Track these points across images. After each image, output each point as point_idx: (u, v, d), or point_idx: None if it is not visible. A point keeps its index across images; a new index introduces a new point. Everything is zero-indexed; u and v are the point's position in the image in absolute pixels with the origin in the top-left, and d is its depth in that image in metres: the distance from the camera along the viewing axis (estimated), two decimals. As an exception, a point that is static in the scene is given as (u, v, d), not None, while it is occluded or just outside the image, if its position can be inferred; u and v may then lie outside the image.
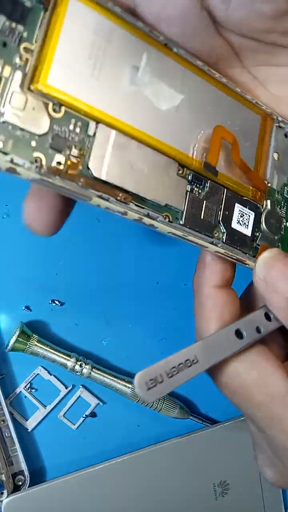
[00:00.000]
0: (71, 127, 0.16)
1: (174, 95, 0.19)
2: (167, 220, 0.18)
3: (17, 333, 0.31)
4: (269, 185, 0.22)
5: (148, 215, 0.18)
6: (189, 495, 0.35)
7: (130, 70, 0.17)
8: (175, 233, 0.19)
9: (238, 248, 0.20)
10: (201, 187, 0.20)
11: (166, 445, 0.35)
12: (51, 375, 0.34)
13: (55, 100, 0.15)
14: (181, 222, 0.19)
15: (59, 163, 0.15)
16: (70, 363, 0.33)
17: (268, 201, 0.22)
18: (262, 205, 0.22)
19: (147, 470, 0.34)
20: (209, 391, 0.38)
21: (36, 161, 0.15)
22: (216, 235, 0.20)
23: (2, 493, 0.31)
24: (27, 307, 0.34)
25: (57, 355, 0.33)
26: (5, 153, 0.14)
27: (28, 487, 0.32)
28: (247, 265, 0.21)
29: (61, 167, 0.15)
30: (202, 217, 0.19)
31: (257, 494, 0.38)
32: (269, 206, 0.22)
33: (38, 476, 0.33)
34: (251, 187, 0.21)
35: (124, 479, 0.33)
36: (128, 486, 0.34)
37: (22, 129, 0.15)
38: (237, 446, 0.37)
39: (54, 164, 0.15)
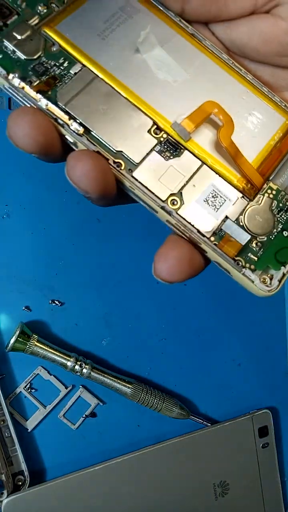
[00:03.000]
0: (58, 63, 0.19)
1: (179, 72, 0.20)
2: (119, 167, 0.18)
3: (17, 333, 0.31)
4: (271, 183, 0.20)
5: (98, 153, 0.18)
6: (189, 495, 0.35)
7: (141, 37, 0.19)
8: (124, 182, 0.19)
9: (194, 226, 0.19)
10: (173, 153, 0.19)
11: (166, 445, 0.35)
12: (51, 375, 0.34)
13: (55, 42, 0.19)
14: (132, 174, 0.19)
15: (30, 81, 0.18)
16: (70, 363, 0.33)
17: (263, 198, 0.20)
18: (251, 199, 0.20)
19: (147, 470, 0.34)
20: (209, 391, 0.38)
21: (13, 74, 0.18)
22: (173, 203, 0.19)
23: (2, 493, 0.31)
24: (27, 307, 0.34)
25: (57, 355, 0.32)
26: None
27: (28, 487, 0.32)
28: (205, 252, 0.19)
29: (32, 84, 0.18)
30: (159, 179, 0.19)
31: (257, 494, 0.38)
32: (262, 204, 0.20)
33: (38, 476, 0.33)
34: (239, 176, 0.20)
35: (124, 479, 0.33)
36: (128, 486, 0.34)
37: (14, 51, 0.18)
38: (237, 446, 0.37)
39: (27, 80, 0.18)
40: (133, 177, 0.18)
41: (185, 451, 0.35)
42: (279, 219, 0.20)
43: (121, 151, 0.18)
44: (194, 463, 0.35)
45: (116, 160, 0.18)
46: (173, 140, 0.19)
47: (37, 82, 0.18)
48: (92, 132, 0.18)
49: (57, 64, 0.19)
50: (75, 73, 0.19)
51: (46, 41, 0.19)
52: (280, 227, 0.20)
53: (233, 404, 0.38)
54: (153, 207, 0.19)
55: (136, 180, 0.19)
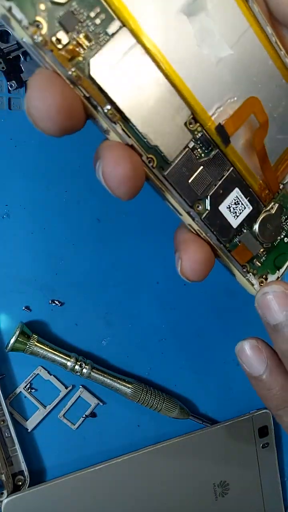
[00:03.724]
0: (92, 14, 0.14)
1: (223, 47, 0.17)
2: (151, 164, 0.17)
3: (17, 333, 0.31)
4: (284, 190, 0.20)
5: (132, 147, 0.16)
6: (189, 495, 0.35)
7: None
8: (153, 180, 0.17)
9: (215, 233, 0.19)
10: (206, 151, 0.18)
11: (166, 445, 0.35)
12: (51, 375, 0.34)
13: None
14: (164, 173, 0.17)
15: (58, 40, 0.14)
16: (70, 363, 0.33)
17: (276, 205, 0.20)
18: (265, 206, 0.20)
19: (147, 470, 0.34)
20: (209, 391, 0.38)
21: (36, 25, 0.14)
22: (198, 208, 0.18)
23: (2, 493, 0.31)
24: (27, 307, 0.34)
25: (57, 355, 0.32)
26: None
27: (28, 487, 0.32)
28: (219, 257, 0.20)
29: (59, 45, 0.14)
30: (189, 181, 0.18)
31: (257, 494, 0.38)
32: (273, 211, 0.20)
33: (38, 476, 0.33)
34: (260, 181, 0.19)
35: (124, 479, 0.33)
36: (128, 486, 0.34)
37: None
38: (237, 446, 0.37)
39: (53, 38, 0.14)
40: (164, 177, 0.17)
41: (185, 451, 0.35)
42: (284, 226, 0.21)
43: (156, 146, 0.17)
44: (194, 463, 0.35)
45: (149, 156, 0.17)
46: (207, 136, 0.18)
47: (67, 41, 0.14)
48: (129, 121, 0.16)
49: (91, 16, 0.14)
50: (112, 34, 0.15)
51: None
52: (284, 233, 0.21)
53: (233, 404, 0.38)
54: (179, 210, 0.18)
55: (167, 181, 0.17)
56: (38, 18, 0.14)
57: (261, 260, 0.20)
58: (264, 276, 0.21)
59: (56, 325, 0.34)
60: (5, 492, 0.31)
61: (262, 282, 0.20)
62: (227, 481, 0.36)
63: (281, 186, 0.20)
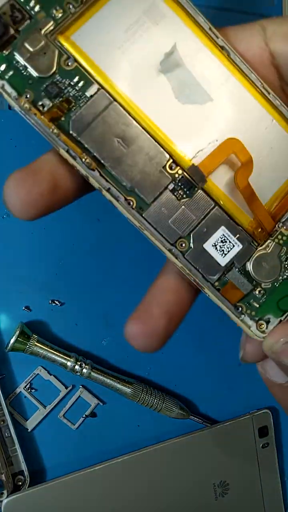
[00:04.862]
0: (73, 82, 0.17)
1: (203, 97, 0.18)
2: (130, 205, 0.18)
3: (17, 333, 0.31)
4: (282, 229, 0.20)
5: (108, 190, 0.18)
6: (189, 495, 0.35)
7: (164, 56, 0.18)
8: (132, 221, 0.18)
9: (200, 270, 0.19)
10: (187, 192, 0.18)
11: (166, 445, 0.35)
12: (51, 375, 0.34)
13: (70, 55, 0.17)
14: (143, 214, 0.18)
15: (42, 105, 0.17)
16: (70, 363, 0.33)
17: (273, 244, 0.20)
18: (260, 244, 0.19)
19: (147, 470, 0.34)
20: (209, 391, 0.38)
21: (25, 96, 0.16)
22: (181, 246, 0.18)
23: (2, 493, 0.31)
24: (27, 307, 0.34)
25: (57, 355, 0.33)
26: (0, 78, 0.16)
27: (28, 487, 0.32)
28: (206, 294, 0.20)
29: (43, 109, 0.17)
30: (170, 221, 0.18)
31: (257, 494, 0.38)
32: (270, 249, 0.19)
33: (38, 476, 0.33)
34: (251, 219, 0.19)
35: (124, 479, 0.33)
36: (128, 486, 0.34)
37: (25, 67, 0.16)
38: (237, 446, 0.37)
39: (38, 104, 0.17)
40: (143, 217, 0.18)
41: (185, 451, 0.35)
42: (286, 266, 0.20)
43: (134, 189, 0.18)
44: (194, 463, 0.35)
45: (128, 198, 0.18)
46: (188, 177, 0.18)
47: (50, 106, 0.17)
48: (105, 167, 0.17)
49: (72, 83, 0.17)
50: (91, 96, 0.17)
51: (60, 54, 0.17)
52: (287, 274, 0.20)
53: (233, 404, 0.38)
54: (160, 249, 0.19)
55: (146, 221, 0.18)
56: (26, 90, 0.17)
57: (260, 301, 0.20)
58: (265, 319, 0.20)
59: (56, 325, 0.34)
60: (5, 492, 0.31)
61: (262, 325, 0.20)
62: (227, 481, 0.36)
63: (279, 225, 0.20)
